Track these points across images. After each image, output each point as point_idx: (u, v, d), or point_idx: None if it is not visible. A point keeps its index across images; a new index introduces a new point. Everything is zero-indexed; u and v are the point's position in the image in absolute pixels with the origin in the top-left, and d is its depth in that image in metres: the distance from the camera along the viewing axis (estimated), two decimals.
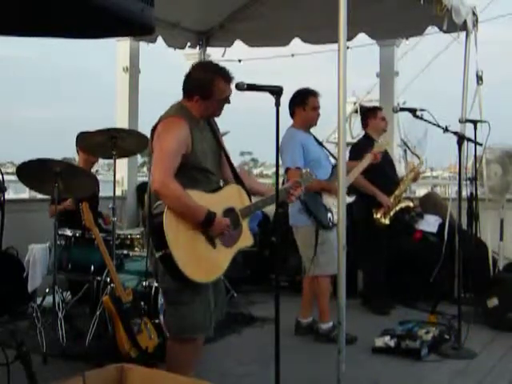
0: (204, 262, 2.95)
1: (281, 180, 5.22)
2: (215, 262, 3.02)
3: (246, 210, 3.19)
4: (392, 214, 5.46)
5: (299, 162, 4.55)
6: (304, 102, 4.70)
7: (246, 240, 3.17)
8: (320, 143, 4.89)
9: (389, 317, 5.34)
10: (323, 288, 4.62)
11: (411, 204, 5.78)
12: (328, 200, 4.56)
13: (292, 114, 4.79)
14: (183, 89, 3.12)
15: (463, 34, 5.76)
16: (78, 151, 5.04)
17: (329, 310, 4.61)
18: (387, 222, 5.45)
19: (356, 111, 11.98)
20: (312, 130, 4.87)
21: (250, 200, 3.25)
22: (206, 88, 3.03)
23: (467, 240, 5.06)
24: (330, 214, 4.55)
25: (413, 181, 5.74)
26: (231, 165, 3.29)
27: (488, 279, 5.35)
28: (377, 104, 6.81)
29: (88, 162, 5.09)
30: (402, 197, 5.67)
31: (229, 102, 3.12)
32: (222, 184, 3.24)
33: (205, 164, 3.07)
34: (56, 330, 4.17)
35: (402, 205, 5.59)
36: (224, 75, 3.07)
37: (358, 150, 5.50)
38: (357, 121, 12.22)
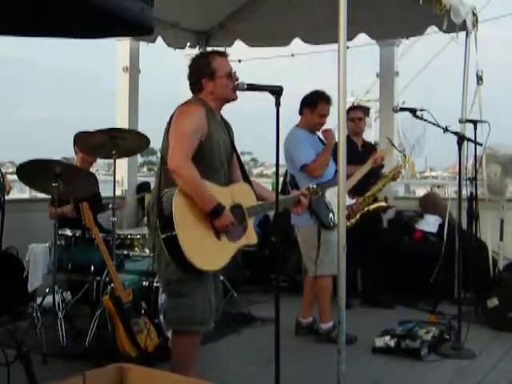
0: (207, 250, 2.99)
1: (281, 179, 5.23)
2: (218, 253, 3.05)
3: (253, 210, 3.24)
4: (358, 216, 5.30)
5: (312, 155, 4.56)
6: (314, 105, 4.67)
7: (250, 238, 3.22)
8: (325, 144, 4.87)
9: (389, 317, 5.34)
10: (324, 288, 4.62)
11: (384, 204, 5.66)
12: (330, 200, 4.56)
13: (300, 113, 4.78)
14: (190, 84, 3.23)
15: (463, 34, 5.76)
16: (75, 151, 5.04)
17: (329, 310, 4.61)
18: (348, 224, 5.33)
19: None
20: None
21: (257, 202, 3.30)
22: (206, 67, 3.16)
23: (467, 240, 5.06)
24: (331, 214, 4.54)
25: (392, 180, 5.62)
26: (242, 166, 3.37)
27: (488, 279, 5.34)
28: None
29: (86, 162, 5.08)
30: (378, 195, 5.53)
31: (237, 78, 3.18)
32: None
33: (218, 153, 3.13)
34: (56, 330, 4.17)
35: (372, 206, 5.45)
36: (217, 52, 3.32)
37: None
38: None
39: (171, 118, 3.10)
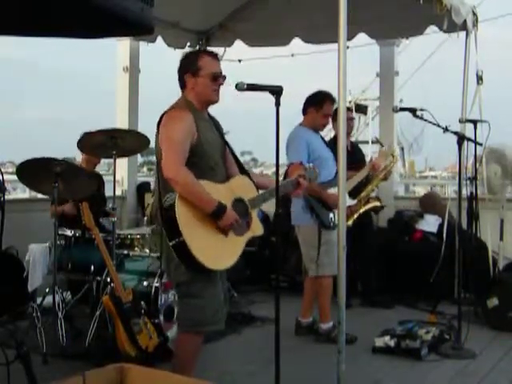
0: (217, 250, 3.01)
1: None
2: (228, 251, 3.07)
3: (255, 201, 3.24)
4: (355, 216, 5.29)
5: (303, 158, 4.56)
6: (319, 105, 4.67)
7: (256, 229, 3.22)
8: (328, 145, 4.87)
9: (389, 317, 5.34)
10: (325, 288, 4.61)
11: (378, 203, 5.65)
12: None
13: (304, 112, 4.77)
14: (178, 80, 3.23)
15: (463, 34, 5.75)
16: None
17: (329, 310, 4.60)
18: (349, 223, 5.30)
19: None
20: None
21: (258, 192, 3.30)
22: (193, 63, 3.16)
23: (467, 240, 5.06)
24: (331, 215, 4.54)
25: (383, 180, 5.60)
26: (236, 158, 3.36)
27: (488, 279, 5.34)
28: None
29: (90, 163, 5.09)
30: (371, 196, 5.52)
31: (221, 82, 3.18)
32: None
33: (211, 153, 3.14)
34: (56, 330, 4.17)
35: (368, 206, 5.44)
36: (207, 52, 3.34)
37: None
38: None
39: (159, 123, 3.10)
